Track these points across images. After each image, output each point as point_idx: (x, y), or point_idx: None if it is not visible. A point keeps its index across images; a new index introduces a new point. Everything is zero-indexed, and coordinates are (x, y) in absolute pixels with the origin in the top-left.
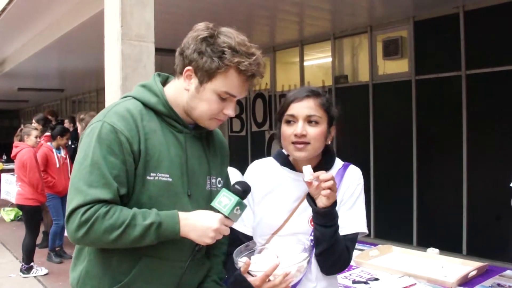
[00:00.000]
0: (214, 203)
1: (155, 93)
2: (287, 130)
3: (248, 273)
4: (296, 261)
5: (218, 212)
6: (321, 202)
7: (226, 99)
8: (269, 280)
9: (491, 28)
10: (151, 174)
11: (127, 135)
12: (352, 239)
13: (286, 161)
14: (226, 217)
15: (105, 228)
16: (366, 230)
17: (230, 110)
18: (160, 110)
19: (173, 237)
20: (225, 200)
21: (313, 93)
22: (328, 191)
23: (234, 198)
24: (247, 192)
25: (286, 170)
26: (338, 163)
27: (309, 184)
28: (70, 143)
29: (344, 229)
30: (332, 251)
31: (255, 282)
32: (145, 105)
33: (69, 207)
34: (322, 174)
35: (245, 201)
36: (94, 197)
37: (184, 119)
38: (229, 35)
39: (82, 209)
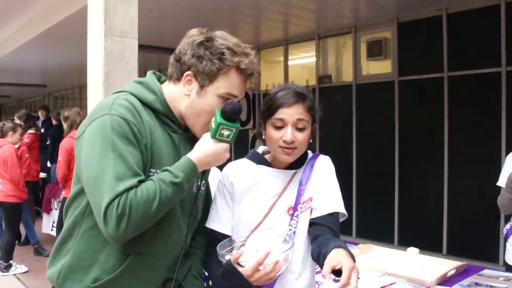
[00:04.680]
0: (216, 136)
1: (153, 91)
2: (275, 134)
3: (238, 264)
4: (282, 249)
5: (221, 141)
6: None
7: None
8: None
9: (474, 31)
10: (151, 170)
11: (138, 127)
12: (336, 222)
13: (262, 160)
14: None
15: (143, 206)
16: (344, 211)
17: None
18: (158, 108)
19: (197, 177)
20: (226, 132)
21: (301, 98)
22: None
23: (235, 127)
24: (239, 111)
25: (263, 168)
26: (309, 154)
27: None
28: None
29: (321, 209)
30: None
31: (246, 272)
32: (142, 102)
33: (101, 205)
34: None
35: (223, 201)
36: (124, 189)
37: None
38: (225, 38)
39: (115, 203)
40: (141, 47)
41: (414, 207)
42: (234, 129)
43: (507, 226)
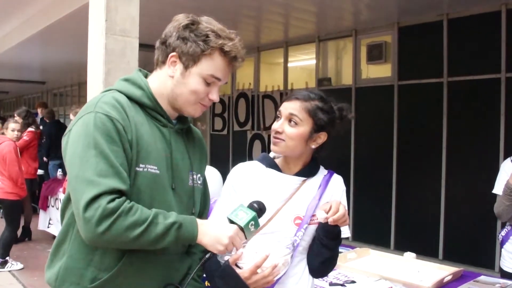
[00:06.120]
0: (231, 215)
1: (140, 86)
2: (273, 125)
3: (236, 265)
4: (282, 254)
5: (233, 223)
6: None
7: (210, 84)
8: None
9: (474, 37)
10: (140, 165)
11: (122, 124)
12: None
13: (272, 163)
14: (241, 229)
15: (128, 225)
16: (349, 234)
17: (214, 95)
18: (146, 103)
19: (190, 240)
20: (242, 214)
21: (303, 97)
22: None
23: (251, 213)
24: (262, 211)
25: (272, 172)
26: (322, 170)
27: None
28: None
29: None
30: (333, 258)
31: (244, 274)
32: (130, 98)
33: (81, 200)
34: (332, 217)
35: (227, 199)
36: (109, 187)
37: (168, 113)
38: (210, 22)
39: (104, 200)
40: (141, 46)
41: (411, 211)
42: (250, 214)
43: (503, 233)
